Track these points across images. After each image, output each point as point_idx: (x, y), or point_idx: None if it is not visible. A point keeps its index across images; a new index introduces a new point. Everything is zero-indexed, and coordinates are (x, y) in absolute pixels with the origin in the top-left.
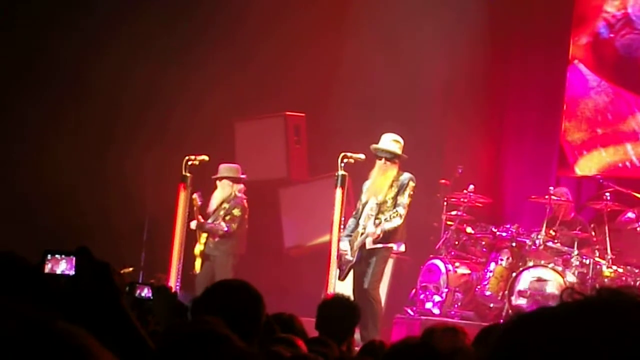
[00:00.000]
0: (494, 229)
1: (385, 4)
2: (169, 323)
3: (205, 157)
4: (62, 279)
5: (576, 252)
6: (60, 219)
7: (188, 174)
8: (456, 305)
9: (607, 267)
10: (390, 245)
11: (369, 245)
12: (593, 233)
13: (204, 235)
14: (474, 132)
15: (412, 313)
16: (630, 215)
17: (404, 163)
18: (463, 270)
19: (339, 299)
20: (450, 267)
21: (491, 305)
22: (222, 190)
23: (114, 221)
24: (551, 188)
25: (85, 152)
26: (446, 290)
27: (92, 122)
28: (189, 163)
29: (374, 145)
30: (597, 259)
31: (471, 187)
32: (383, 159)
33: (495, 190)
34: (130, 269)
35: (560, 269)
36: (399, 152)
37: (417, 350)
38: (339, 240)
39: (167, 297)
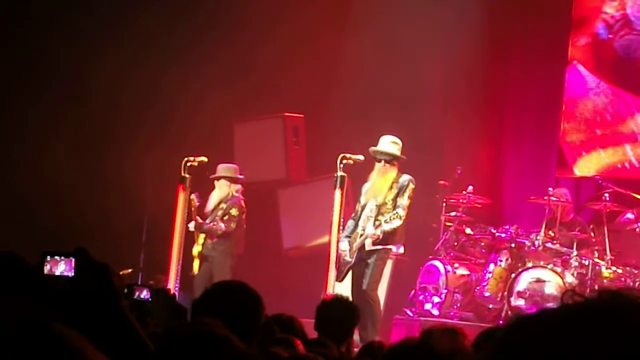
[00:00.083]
0: (493, 230)
1: (384, 5)
2: (167, 325)
3: (204, 158)
4: (61, 280)
5: (575, 253)
6: (60, 219)
7: (187, 175)
8: (455, 306)
9: (606, 268)
10: (389, 246)
11: (368, 246)
12: (592, 234)
13: (202, 236)
14: (473, 133)
15: (411, 314)
16: (630, 216)
17: (403, 164)
18: (462, 271)
19: (338, 300)
20: (449, 268)
21: (490, 306)
22: (220, 190)
23: (113, 222)
24: (550, 189)
25: (85, 152)
26: (445, 291)
27: (92, 122)
28: (188, 164)
29: (373, 148)
30: (596, 259)
31: (470, 188)
32: (382, 162)
33: (495, 191)
34: (129, 270)
35: (559, 269)
36: (398, 153)
37: (416, 351)
38: (338, 241)
39: (165, 299)
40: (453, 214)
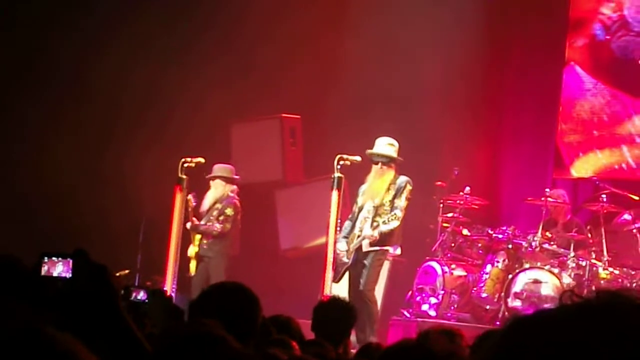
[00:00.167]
0: (490, 231)
1: (382, 6)
2: (164, 326)
3: (202, 159)
4: (59, 282)
5: (572, 254)
6: (59, 219)
7: (184, 176)
8: (452, 307)
9: (604, 269)
10: (386, 247)
11: (365, 247)
12: (589, 235)
13: (198, 236)
14: (471, 134)
15: (408, 315)
16: (627, 217)
17: (399, 165)
18: (459, 272)
19: (335, 301)
20: (446, 269)
21: (487, 307)
22: (215, 190)
23: (111, 223)
24: (547, 190)
25: (84, 152)
26: (442, 292)
27: (92, 122)
28: (185, 165)
29: (369, 150)
30: (593, 260)
31: (467, 189)
32: (379, 163)
33: (492, 192)
34: (126, 271)
35: (556, 270)
36: (395, 155)
37: (413, 352)
38: (335, 242)
39: (162, 300)
40: (450, 215)
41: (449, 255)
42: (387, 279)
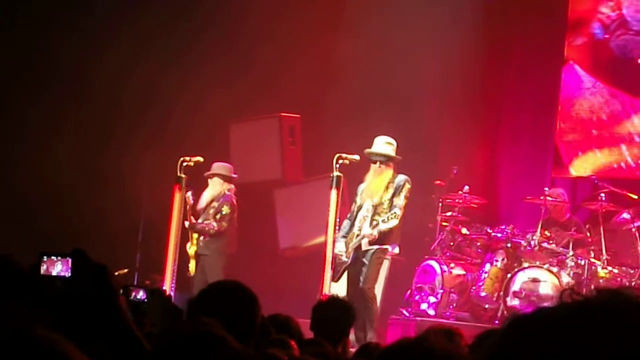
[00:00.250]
0: (489, 230)
1: (381, 6)
2: (163, 325)
3: (200, 159)
4: (58, 281)
5: (571, 253)
6: (58, 219)
7: (183, 175)
8: (451, 306)
9: (603, 268)
10: (385, 246)
11: (364, 246)
12: (588, 234)
13: (196, 235)
14: (469, 133)
15: (407, 314)
16: (625, 215)
17: (398, 164)
18: (458, 271)
19: (334, 300)
20: (445, 268)
21: (486, 306)
22: (213, 189)
23: (110, 222)
24: (546, 189)
25: (84, 152)
26: (441, 291)
27: (91, 122)
28: (184, 164)
29: (368, 150)
30: (592, 259)
31: (466, 188)
32: (377, 163)
33: (491, 191)
34: (125, 270)
35: (555, 269)
36: (393, 154)
37: (412, 351)
38: (334, 241)
39: (161, 300)
40: (449, 213)
41: (447, 254)
42: (386, 278)
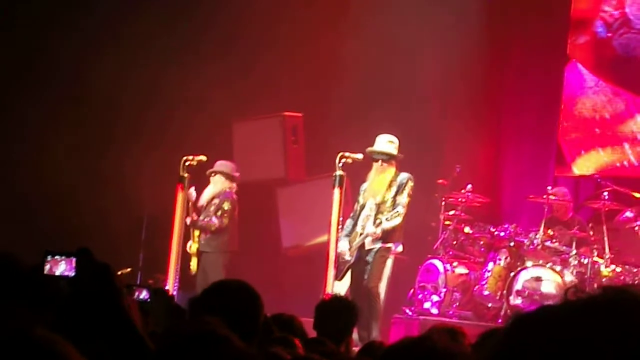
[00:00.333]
0: (492, 229)
1: (383, 6)
2: (166, 325)
3: (203, 158)
4: (62, 280)
5: (574, 251)
6: (59, 219)
7: (186, 174)
8: (454, 305)
9: (606, 267)
10: (388, 245)
11: (368, 245)
12: (591, 232)
13: (197, 233)
14: (472, 132)
15: (410, 313)
16: (628, 214)
17: (401, 162)
18: (461, 270)
19: (337, 299)
20: (448, 266)
21: (489, 305)
22: (214, 186)
23: (112, 221)
24: (549, 188)
25: (84, 152)
26: (444, 290)
27: (93, 122)
28: (187, 163)
29: (370, 148)
30: (595, 258)
31: (469, 186)
32: (380, 161)
33: (494, 190)
34: (128, 269)
35: (558, 268)
36: (395, 152)
37: (416, 349)
38: (337, 241)
39: (164, 300)
40: (452, 212)
41: (450, 253)
42: (389, 276)
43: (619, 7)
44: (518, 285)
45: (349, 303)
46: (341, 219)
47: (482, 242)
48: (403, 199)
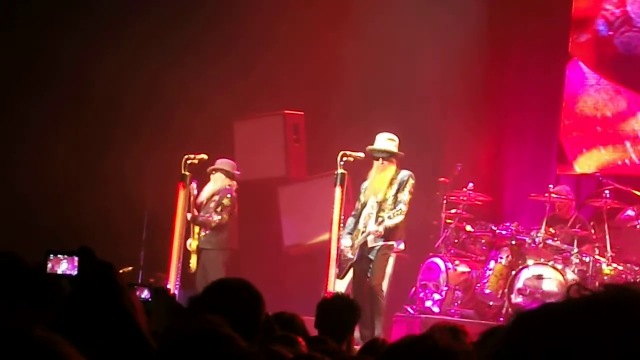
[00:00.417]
0: (493, 227)
1: (384, 6)
2: (168, 325)
3: (205, 156)
4: (64, 279)
5: (576, 250)
6: (60, 218)
7: (187, 173)
8: (456, 304)
9: (607, 265)
10: (390, 242)
11: (370, 243)
12: (593, 231)
13: (197, 230)
14: (474, 130)
15: (412, 311)
16: (630, 212)
17: (402, 161)
18: (463, 268)
19: (339, 297)
20: (449, 265)
21: (491, 303)
22: (214, 184)
23: (114, 220)
24: (551, 186)
25: (85, 151)
26: (446, 288)
27: (93, 122)
28: (189, 162)
29: (370, 147)
30: (597, 256)
31: (470, 185)
32: (380, 159)
33: (495, 188)
34: (130, 268)
35: (560, 266)
36: (395, 150)
37: (419, 347)
38: (338, 239)
39: (165, 299)
40: (453, 211)
41: (452, 251)
42: (391, 275)
43: (620, 5)
44: (519, 284)
45: (350, 301)
46: (342, 217)
47: (483, 241)
48: (404, 196)
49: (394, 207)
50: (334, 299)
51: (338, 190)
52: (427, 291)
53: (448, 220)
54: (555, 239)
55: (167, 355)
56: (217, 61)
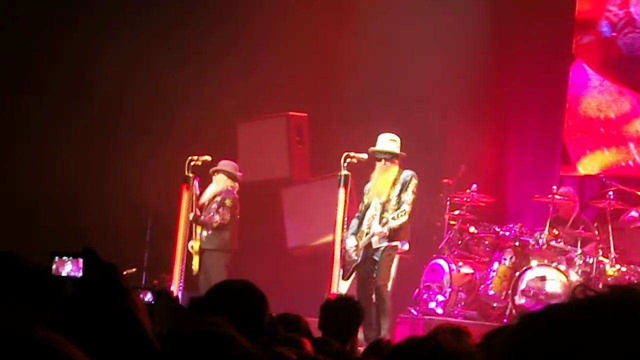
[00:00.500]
0: (497, 229)
1: (389, 6)
2: (171, 327)
3: (208, 158)
4: (68, 281)
5: (579, 251)
6: (63, 219)
7: (191, 175)
8: (459, 305)
9: (611, 266)
10: (395, 243)
11: (375, 244)
12: (596, 232)
13: (199, 231)
14: (477, 131)
15: (415, 313)
16: (634, 214)
17: (406, 163)
18: (466, 269)
19: (342, 298)
20: (453, 266)
21: (494, 304)
22: (217, 185)
23: (117, 222)
24: (554, 187)
25: (89, 152)
26: (449, 289)
27: (97, 123)
28: (192, 163)
29: (372, 148)
30: (600, 257)
31: (474, 186)
32: (382, 160)
33: (498, 190)
34: (133, 269)
35: (563, 268)
36: (397, 150)
37: (423, 348)
38: (342, 240)
39: (168, 302)
40: (457, 212)
41: (456, 252)
42: (394, 276)
43: (623, 7)
44: (523, 285)
45: (354, 303)
46: (346, 219)
47: (487, 242)
48: (408, 196)
49: (398, 208)
50: (337, 301)
51: (342, 192)
52: (430, 292)
53: (451, 222)
54: (559, 240)
55: (170, 357)
56: (220, 62)
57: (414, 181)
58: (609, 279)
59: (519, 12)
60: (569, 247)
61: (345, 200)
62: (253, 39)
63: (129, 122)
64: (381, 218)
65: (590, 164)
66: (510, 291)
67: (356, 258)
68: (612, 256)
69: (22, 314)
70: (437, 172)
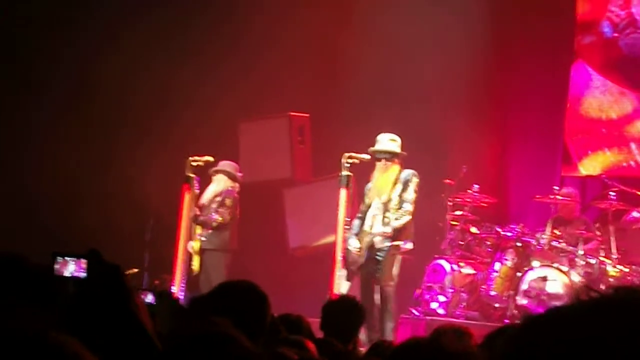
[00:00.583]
0: (498, 229)
1: (390, 6)
2: (172, 328)
3: (210, 158)
4: (71, 281)
5: (581, 251)
6: (64, 220)
7: (192, 175)
8: (461, 306)
9: (613, 267)
10: (398, 242)
11: (378, 244)
12: (598, 233)
13: (199, 230)
14: (478, 132)
15: (417, 313)
16: (635, 214)
17: (407, 163)
18: (468, 270)
19: (344, 299)
20: (455, 267)
21: (496, 305)
22: (217, 185)
23: (118, 222)
24: (556, 188)
25: (90, 152)
26: (451, 290)
27: (97, 123)
28: (194, 164)
29: (372, 148)
30: (602, 258)
31: (476, 187)
32: (383, 160)
33: (500, 190)
34: (135, 270)
35: (565, 268)
36: (398, 150)
37: (425, 350)
38: (343, 241)
39: (169, 302)
40: (459, 212)
41: (457, 253)
42: (397, 276)
43: (625, 7)
44: (525, 286)
45: (355, 303)
46: (348, 219)
47: (488, 243)
48: (409, 195)
49: (400, 207)
50: (339, 301)
51: (343, 192)
52: (432, 293)
53: (453, 222)
54: (561, 240)
55: (171, 357)
56: (221, 62)
57: (415, 180)
58: (611, 279)
59: (519, 12)
60: (571, 247)
61: (347, 201)
62: (253, 39)
63: (129, 122)
64: (383, 218)
65: (591, 165)
66: (512, 292)
67: (360, 259)
68: (614, 257)
69: (25, 314)
70: (439, 173)
